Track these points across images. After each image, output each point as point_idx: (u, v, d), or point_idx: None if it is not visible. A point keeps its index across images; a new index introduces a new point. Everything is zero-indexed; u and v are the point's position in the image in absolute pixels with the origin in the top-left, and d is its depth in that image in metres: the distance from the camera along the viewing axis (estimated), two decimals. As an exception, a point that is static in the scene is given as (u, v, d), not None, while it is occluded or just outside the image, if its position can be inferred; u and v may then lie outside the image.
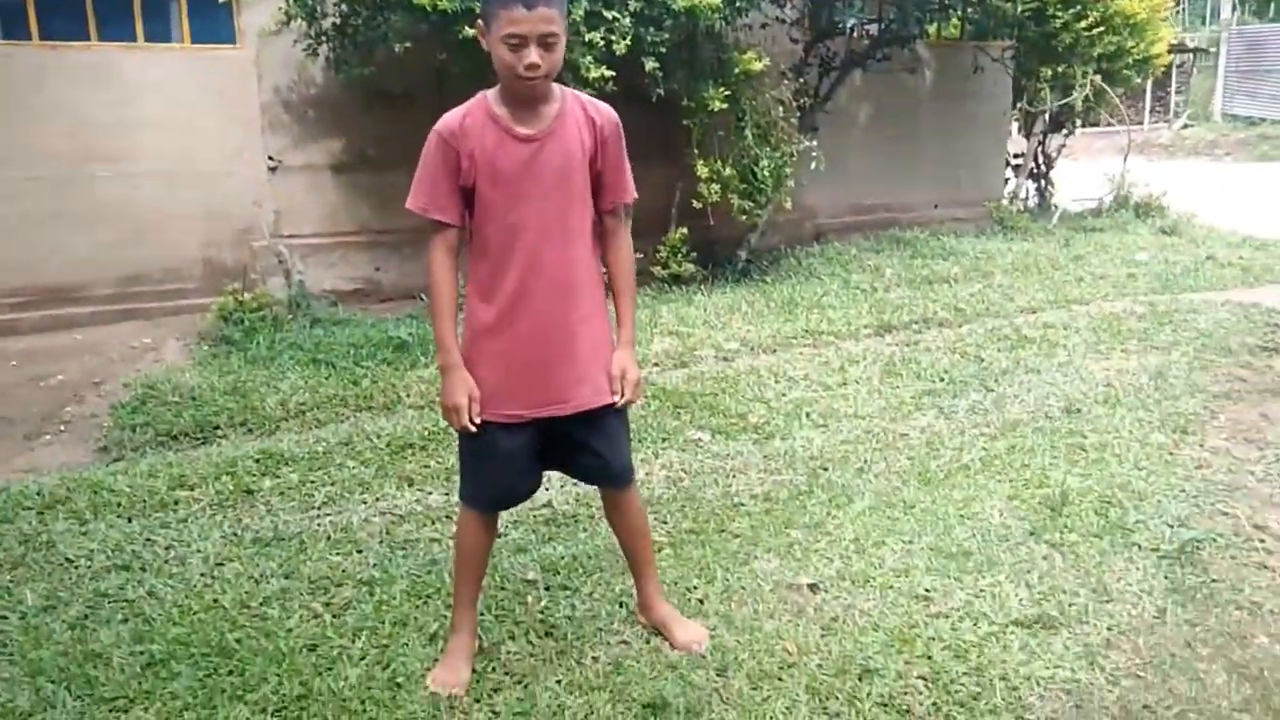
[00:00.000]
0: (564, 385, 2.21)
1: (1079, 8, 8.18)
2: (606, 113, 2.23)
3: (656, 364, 4.98)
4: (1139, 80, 10.38)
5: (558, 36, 2.03)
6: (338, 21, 5.65)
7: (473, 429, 2.16)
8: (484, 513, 2.36)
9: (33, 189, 5.67)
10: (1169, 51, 10.91)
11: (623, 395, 2.25)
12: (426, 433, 3.96)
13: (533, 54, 2.01)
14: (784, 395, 4.48)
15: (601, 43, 5.34)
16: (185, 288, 6.10)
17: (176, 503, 3.34)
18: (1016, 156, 10.06)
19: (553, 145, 2.14)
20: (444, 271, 2.16)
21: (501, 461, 2.25)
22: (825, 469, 3.62)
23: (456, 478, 3.47)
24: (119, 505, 3.31)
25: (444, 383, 2.18)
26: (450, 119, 2.14)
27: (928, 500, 3.30)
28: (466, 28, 5.03)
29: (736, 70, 6.17)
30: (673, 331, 5.49)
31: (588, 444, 2.29)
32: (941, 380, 4.67)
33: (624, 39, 5.36)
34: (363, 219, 6.57)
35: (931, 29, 9.01)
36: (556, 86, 2.19)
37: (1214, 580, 2.75)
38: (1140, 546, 2.94)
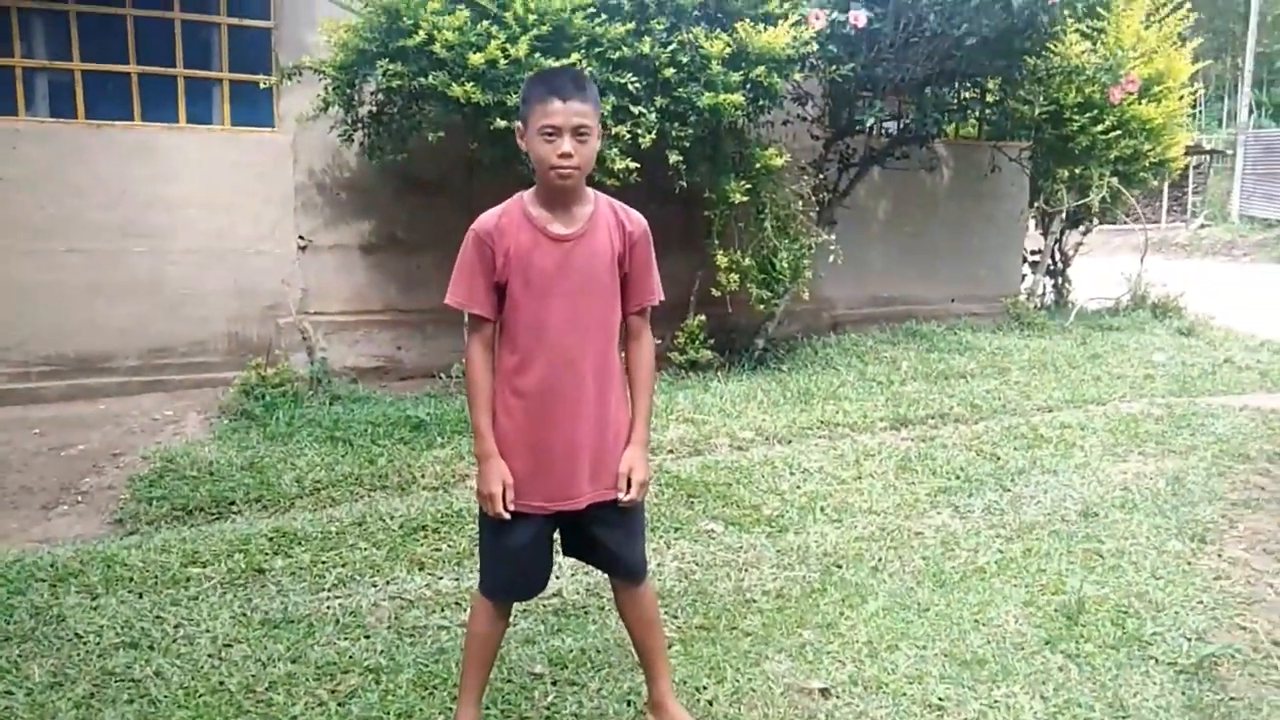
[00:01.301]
0: (580, 480, 2.24)
1: (1096, 112, 8.34)
2: (637, 219, 2.31)
3: (671, 451, 4.99)
4: (1156, 182, 10.52)
5: (590, 129, 2.13)
6: (374, 110, 5.85)
7: (506, 516, 2.19)
8: (500, 603, 2.37)
9: (70, 261, 5.82)
10: (1186, 153, 11.06)
11: (626, 494, 2.27)
12: (439, 515, 3.96)
13: (566, 144, 2.10)
14: (798, 488, 4.47)
15: (628, 136, 5.49)
16: (210, 361, 6.19)
17: (188, 580, 3.34)
18: (1034, 253, 10.15)
19: (584, 246, 2.22)
20: (482, 365, 2.24)
21: (520, 552, 2.28)
22: (839, 566, 3.60)
23: (467, 562, 3.51)
24: (131, 580, 3.32)
25: (480, 471, 2.23)
26: (487, 219, 2.22)
27: (942, 603, 3.26)
28: (498, 119, 5.20)
29: (758, 165, 6.31)
30: (688, 419, 5.50)
31: (600, 538, 2.32)
32: (957, 478, 4.65)
33: (649, 133, 5.51)
34: (388, 298, 6.68)
35: (950, 129, 9.19)
36: (590, 190, 2.27)
37: (1232, 698, 2.70)
38: (1157, 660, 2.89)
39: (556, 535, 2.37)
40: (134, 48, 5.97)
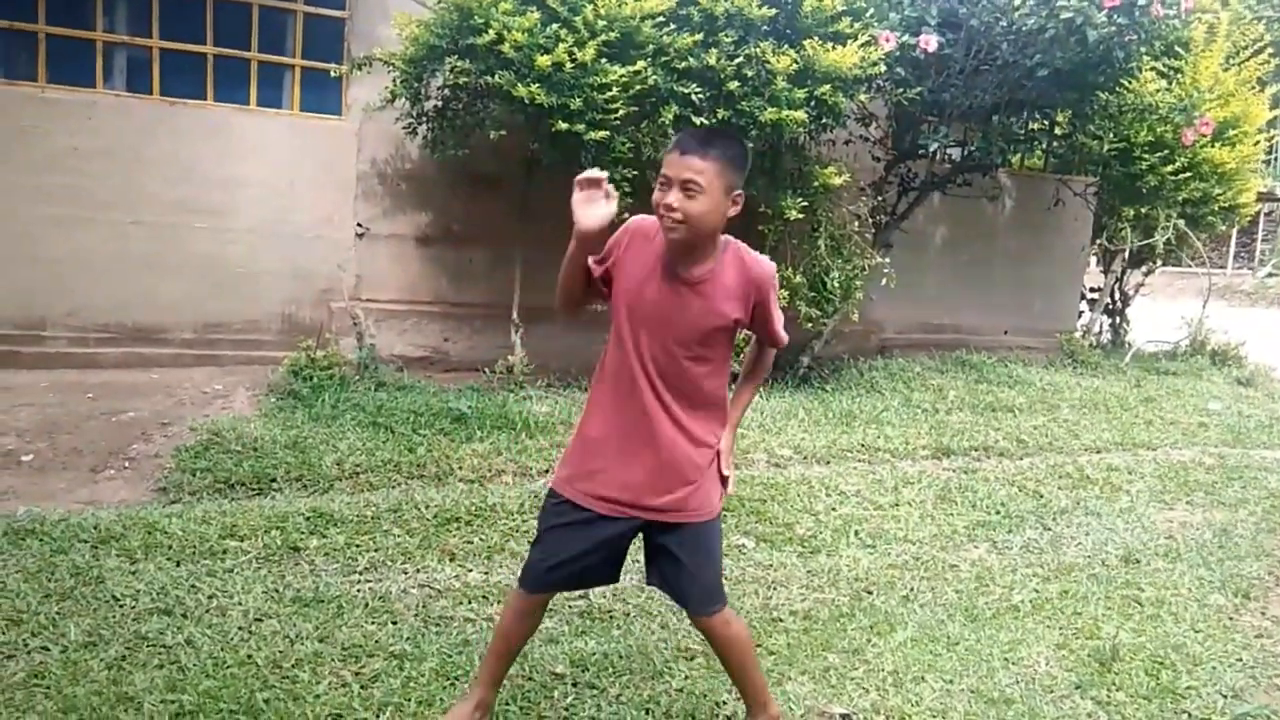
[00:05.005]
0: (650, 490, 2.24)
1: (1166, 152, 8.16)
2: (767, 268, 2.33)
3: (708, 464, 4.97)
4: (1224, 227, 10.27)
5: (700, 187, 2.10)
6: (439, 105, 5.92)
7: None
8: (525, 590, 2.35)
9: (135, 233, 5.97)
10: (1258, 200, 10.78)
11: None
12: (473, 508, 3.99)
13: (669, 195, 2.11)
14: (834, 510, 4.43)
15: (687, 146, 5.49)
16: (262, 339, 6.30)
17: (225, 552, 3.40)
18: (1093, 290, 9.96)
19: (698, 295, 2.22)
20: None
21: (556, 538, 2.28)
22: (869, 592, 3.56)
23: (497, 556, 3.54)
24: (170, 548, 3.39)
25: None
26: (648, 223, 2.25)
27: (972, 639, 3.21)
28: (560, 121, 5.23)
29: (816, 183, 6.28)
30: (728, 432, 5.47)
31: (672, 554, 2.29)
32: (997, 513, 4.58)
33: (709, 145, 5.50)
34: (439, 290, 6.75)
35: (1015, 159, 9.07)
36: (724, 241, 2.27)
37: (1269, 762, 2.62)
38: (1190, 715, 2.82)
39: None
40: (211, 29, 6.11)
